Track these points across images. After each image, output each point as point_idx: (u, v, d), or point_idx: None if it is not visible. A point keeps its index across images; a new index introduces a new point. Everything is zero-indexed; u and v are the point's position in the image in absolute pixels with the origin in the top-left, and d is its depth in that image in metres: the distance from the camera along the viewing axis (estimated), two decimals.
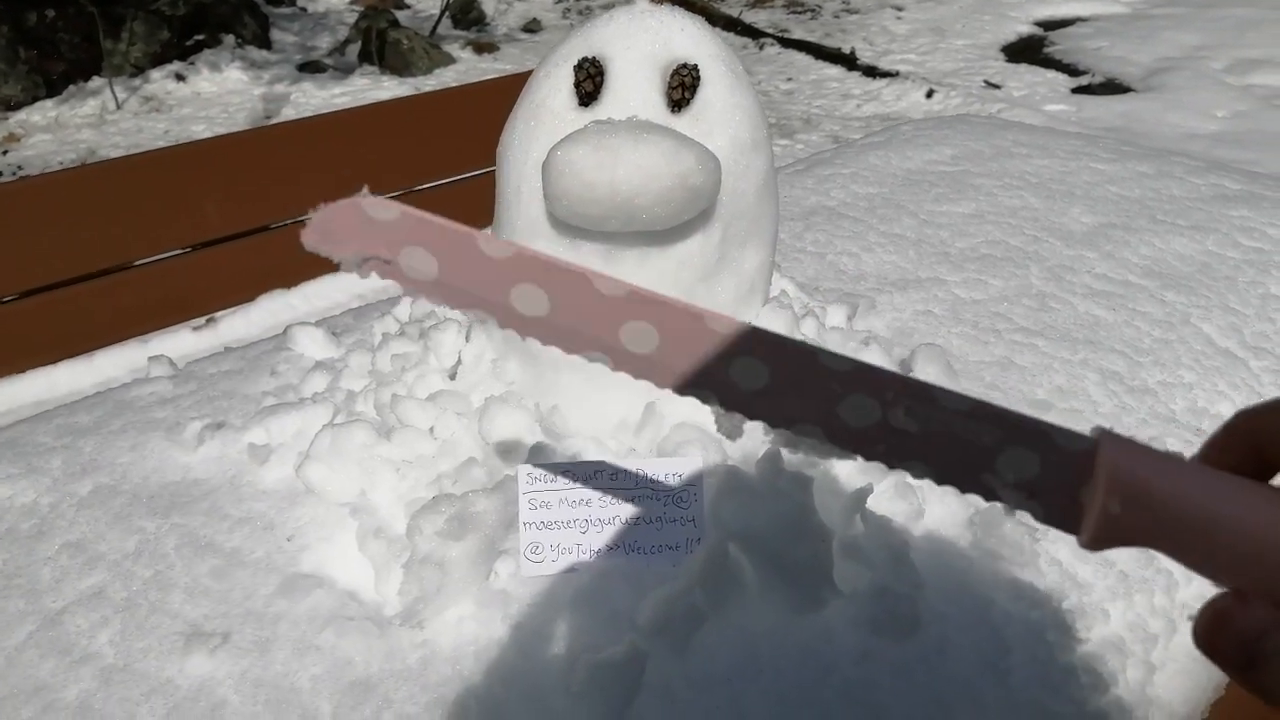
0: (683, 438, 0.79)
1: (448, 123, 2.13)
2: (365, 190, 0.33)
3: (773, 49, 5.36)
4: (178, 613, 0.74)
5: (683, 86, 0.80)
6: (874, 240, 1.40)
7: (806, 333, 0.93)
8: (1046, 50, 5.15)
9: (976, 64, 4.95)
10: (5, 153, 3.92)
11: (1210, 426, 1.02)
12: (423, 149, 2.11)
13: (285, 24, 5.55)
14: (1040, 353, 1.10)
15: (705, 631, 0.70)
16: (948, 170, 1.70)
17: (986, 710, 0.68)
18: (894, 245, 1.39)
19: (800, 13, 6.16)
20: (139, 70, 4.65)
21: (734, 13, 5.90)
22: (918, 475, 0.32)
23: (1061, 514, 0.30)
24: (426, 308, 1.02)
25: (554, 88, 0.82)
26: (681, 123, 0.80)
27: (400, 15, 5.52)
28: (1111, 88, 4.52)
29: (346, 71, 4.86)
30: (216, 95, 4.58)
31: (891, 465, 0.32)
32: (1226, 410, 1.04)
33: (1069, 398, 1.03)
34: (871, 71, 4.85)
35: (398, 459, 0.82)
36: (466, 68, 4.99)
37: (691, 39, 0.81)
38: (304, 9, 5.91)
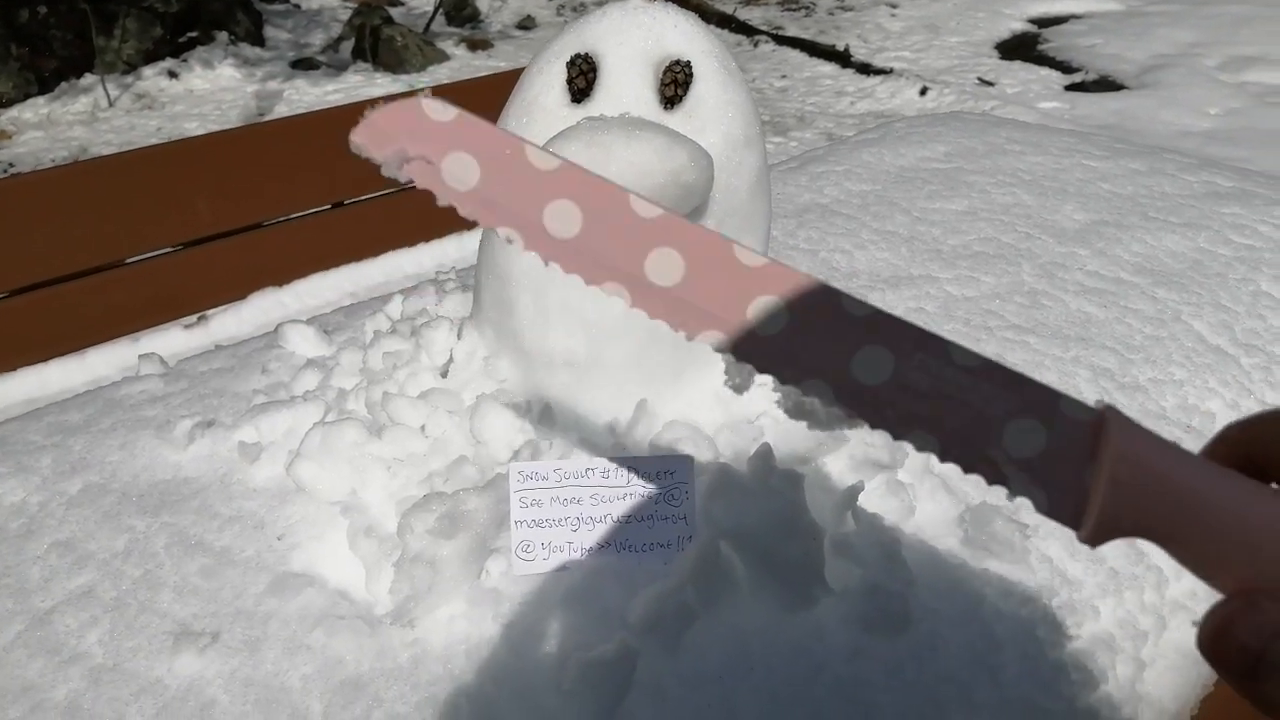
0: (674, 436, 0.79)
1: None
2: (428, 91, 0.35)
3: (767, 46, 5.36)
4: (167, 612, 0.74)
5: (675, 83, 0.80)
6: (867, 237, 1.40)
7: None
8: (1040, 47, 5.16)
9: (970, 61, 4.96)
10: None
11: (1201, 423, 1.02)
12: None
13: (278, 21, 5.53)
14: (1032, 350, 1.10)
15: (696, 629, 0.70)
16: (941, 167, 1.70)
17: (977, 707, 0.68)
18: (887, 242, 1.39)
19: (794, 10, 6.16)
20: (131, 67, 4.63)
21: (728, 9, 5.90)
22: (922, 447, 0.31)
23: (1064, 500, 0.30)
24: (418, 305, 1.02)
25: (547, 84, 0.82)
26: (674, 119, 0.80)
27: (394, 12, 5.51)
28: (1105, 85, 4.53)
29: (340, 69, 4.84)
30: (209, 92, 4.57)
31: (897, 435, 0.31)
32: (1217, 407, 1.05)
33: None
34: (865, 69, 4.85)
35: (389, 457, 0.82)
36: (460, 65, 4.98)
37: (685, 35, 0.81)
38: (297, 5, 5.89)
